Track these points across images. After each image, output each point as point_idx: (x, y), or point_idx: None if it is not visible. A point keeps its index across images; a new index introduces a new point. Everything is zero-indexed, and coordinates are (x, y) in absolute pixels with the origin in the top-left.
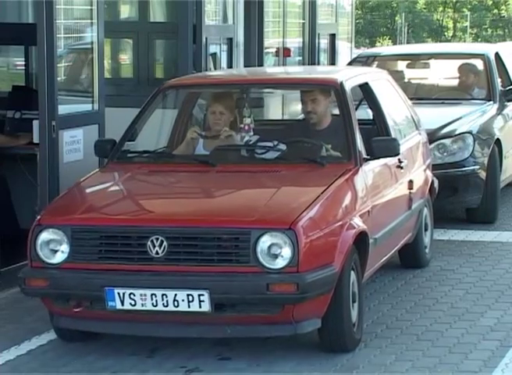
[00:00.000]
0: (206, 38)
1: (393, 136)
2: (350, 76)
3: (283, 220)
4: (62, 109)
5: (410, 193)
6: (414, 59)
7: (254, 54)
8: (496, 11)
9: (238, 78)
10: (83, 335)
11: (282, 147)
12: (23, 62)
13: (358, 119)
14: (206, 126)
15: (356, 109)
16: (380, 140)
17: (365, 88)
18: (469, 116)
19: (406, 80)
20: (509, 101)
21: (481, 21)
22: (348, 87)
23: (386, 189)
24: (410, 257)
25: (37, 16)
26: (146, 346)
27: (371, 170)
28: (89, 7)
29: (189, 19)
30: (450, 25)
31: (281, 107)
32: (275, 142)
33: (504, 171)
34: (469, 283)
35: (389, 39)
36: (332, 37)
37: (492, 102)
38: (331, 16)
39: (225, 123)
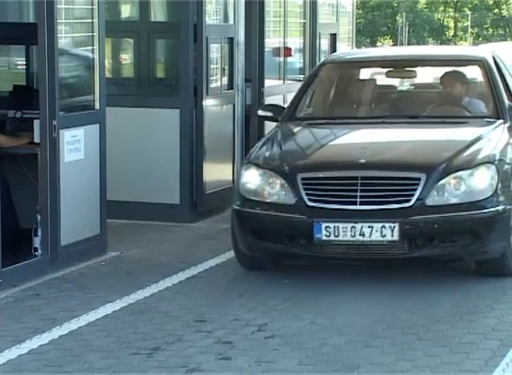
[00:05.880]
0: (207, 38)
1: None
2: None
3: None
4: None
5: None
6: (397, 66)
7: (255, 53)
8: (496, 10)
9: None
10: None
11: None
12: (24, 62)
13: None
14: None
15: None
16: None
17: None
18: (484, 140)
19: (385, 92)
20: None
21: (482, 21)
22: None
23: None
24: None
25: (37, 16)
26: (147, 345)
27: None
28: (90, 6)
29: (190, 18)
30: (451, 25)
31: None
32: None
33: None
34: (471, 282)
35: (390, 38)
36: (333, 36)
37: (502, 121)
38: (332, 15)
39: None
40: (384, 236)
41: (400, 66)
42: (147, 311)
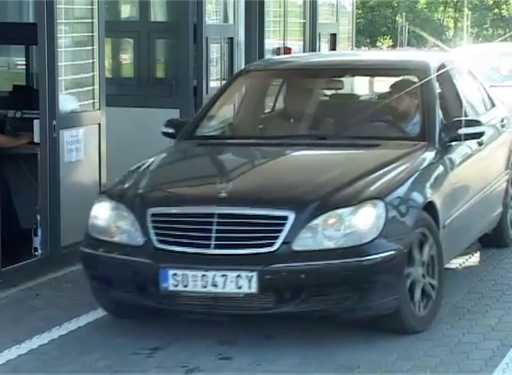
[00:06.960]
0: (207, 38)
1: None
2: None
3: None
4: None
5: None
6: (321, 76)
7: (255, 53)
8: (496, 10)
9: None
10: None
11: None
12: (24, 62)
13: None
14: None
15: None
16: None
17: None
18: (386, 169)
19: (300, 107)
20: (453, 140)
21: (482, 21)
22: None
23: None
24: None
25: (37, 16)
26: (147, 345)
27: None
28: (90, 6)
29: (189, 18)
30: (451, 24)
31: None
32: None
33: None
34: (470, 282)
35: (390, 38)
36: (333, 36)
37: (425, 143)
38: (332, 15)
39: None
40: (240, 287)
41: (324, 76)
42: None
